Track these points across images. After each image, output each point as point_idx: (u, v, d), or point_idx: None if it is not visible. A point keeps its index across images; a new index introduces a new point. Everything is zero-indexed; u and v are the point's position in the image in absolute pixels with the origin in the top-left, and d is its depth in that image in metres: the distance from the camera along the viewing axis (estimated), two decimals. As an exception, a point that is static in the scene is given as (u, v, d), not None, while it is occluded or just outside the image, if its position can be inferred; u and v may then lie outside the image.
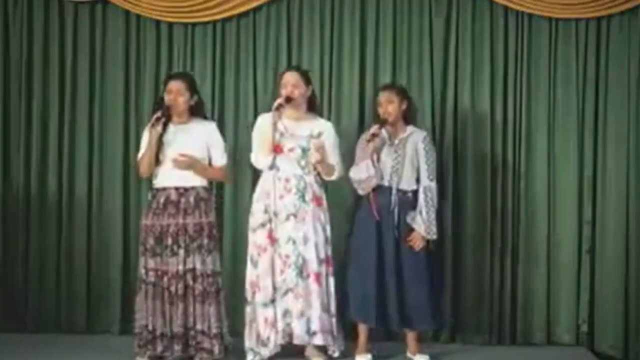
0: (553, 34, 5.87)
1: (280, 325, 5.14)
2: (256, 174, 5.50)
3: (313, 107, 5.40)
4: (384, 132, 5.28)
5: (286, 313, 5.15)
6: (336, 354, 5.29)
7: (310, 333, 5.16)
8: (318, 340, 5.17)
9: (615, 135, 5.83)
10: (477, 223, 5.87)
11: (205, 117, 5.38)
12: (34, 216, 6.03)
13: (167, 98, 5.20)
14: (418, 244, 5.26)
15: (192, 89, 5.29)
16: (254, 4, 5.95)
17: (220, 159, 5.30)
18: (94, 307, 6.01)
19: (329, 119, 5.89)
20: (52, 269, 6.02)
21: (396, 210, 5.27)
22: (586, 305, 5.84)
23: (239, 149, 5.84)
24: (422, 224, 5.24)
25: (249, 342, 5.25)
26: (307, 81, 5.34)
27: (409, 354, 5.38)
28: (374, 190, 5.27)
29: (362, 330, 5.36)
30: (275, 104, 5.19)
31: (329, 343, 5.24)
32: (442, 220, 5.84)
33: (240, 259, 5.64)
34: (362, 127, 5.89)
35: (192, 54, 6.03)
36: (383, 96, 5.36)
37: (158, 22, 6.04)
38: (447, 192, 5.86)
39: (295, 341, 5.16)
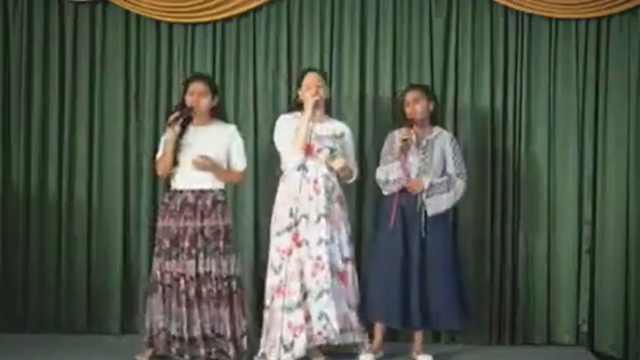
0: (553, 34, 5.87)
1: (316, 328, 5.10)
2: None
3: (329, 109, 5.46)
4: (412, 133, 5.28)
5: (322, 315, 5.11)
6: (363, 352, 5.27)
7: (342, 331, 5.16)
8: (350, 338, 5.19)
9: (615, 135, 5.84)
10: (477, 223, 5.88)
11: (225, 119, 5.39)
12: (34, 216, 6.02)
13: (190, 99, 5.20)
14: (415, 187, 5.22)
15: (214, 90, 5.31)
16: (254, 4, 5.95)
17: (240, 163, 5.32)
18: (94, 307, 6.01)
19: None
20: (52, 269, 6.01)
21: (423, 210, 5.26)
22: (586, 305, 5.84)
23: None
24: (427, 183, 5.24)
25: (263, 347, 5.22)
26: (326, 82, 5.40)
27: (414, 354, 5.38)
28: (399, 193, 5.26)
29: (379, 329, 5.36)
30: (312, 100, 5.17)
31: (354, 341, 5.25)
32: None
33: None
34: (362, 127, 5.91)
35: (192, 54, 6.03)
36: (410, 95, 5.37)
37: (158, 22, 6.03)
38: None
39: (335, 342, 5.15)
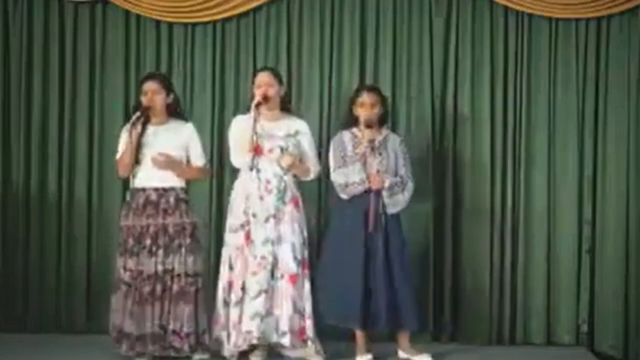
0: (553, 34, 5.87)
1: (247, 326, 5.10)
2: (234, 175, 5.49)
3: (286, 106, 5.42)
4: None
5: (255, 315, 5.10)
6: (306, 355, 5.26)
7: (280, 333, 5.15)
8: (286, 340, 5.14)
9: (615, 135, 5.84)
10: (476, 223, 5.87)
11: (182, 117, 5.42)
12: (33, 216, 6.03)
13: (145, 99, 5.25)
14: (377, 182, 5.18)
15: (168, 87, 5.35)
16: (254, 4, 5.95)
17: (199, 159, 5.35)
18: (94, 307, 6.00)
19: (328, 118, 5.92)
20: (52, 269, 6.02)
21: (384, 210, 5.24)
22: (586, 305, 5.84)
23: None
24: (389, 182, 5.21)
25: (212, 343, 5.25)
26: (280, 81, 5.37)
27: (402, 354, 5.33)
28: (357, 196, 5.22)
29: (359, 333, 5.32)
30: (255, 102, 5.19)
31: (297, 345, 5.21)
32: (442, 219, 5.87)
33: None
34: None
35: (192, 54, 6.03)
36: (369, 98, 5.32)
37: (158, 22, 6.04)
38: (446, 192, 5.87)
39: (261, 341, 5.13)
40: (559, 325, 5.88)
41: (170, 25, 6.05)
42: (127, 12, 6.03)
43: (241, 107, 5.99)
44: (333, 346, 5.35)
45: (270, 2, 5.98)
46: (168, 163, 5.20)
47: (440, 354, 5.50)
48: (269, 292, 5.14)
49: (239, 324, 5.13)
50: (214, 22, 6.01)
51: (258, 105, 5.19)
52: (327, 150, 5.45)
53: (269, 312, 5.14)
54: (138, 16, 6.03)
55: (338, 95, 5.95)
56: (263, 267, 5.15)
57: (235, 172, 5.80)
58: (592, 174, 5.87)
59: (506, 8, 5.88)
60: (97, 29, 6.06)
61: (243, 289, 5.16)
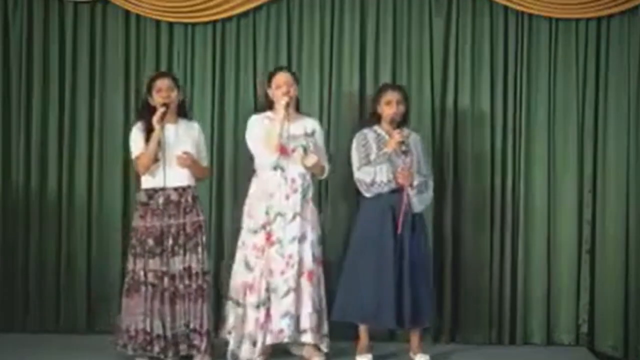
0: (553, 34, 5.87)
1: (278, 325, 5.12)
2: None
3: (299, 106, 5.46)
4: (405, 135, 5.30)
5: (285, 314, 5.13)
6: (317, 357, 5.29)
7: (300, 331, 5.17)
8: (308, 338, 5.17)
9: (615, 135, 5.84)
10: (476, 223, 5.88)
11: (188, 116, 5.45)
12: (33, 216, 6.02)
13: (160, 96, 5.23)
14: (405, 177, 5.20)
15: (178, 86, 5.37)
16: (254, 4, 5.95)
17: (205, 159, 5.41)
18: (94, 307, 6.01)
19: (328, 118, 5.92)
20: (52, 269, 6.01)
21: (411, 209, 5.25)
22: (586, 305, 5.85)
23: (239, 149, 5.84)
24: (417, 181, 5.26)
25: (233, 344, 5.24)
26: (297, 81, 5.42)
27: (411, 354, 5.37)
28: (384, 195, 5.25)
29: (363, 330, 5.35)
30: (284, 102, 5.21)
31: (319, 342, 5.25)
32: (442, 219, 5.87)
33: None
34: (361, 127, 5.89)
35: (192, 54, 6.03)
36: (394, 96, 5.36)
37: (158, 22, 6.03)
38: (446, 192, 5.87)
39: (291, 340, 5.17)
40: (559, 325, 5.89)
41: (170, 25, 6.04)
42: (127, 12, 6.02)
43: (241, 107, 6.00)
44: (333, 345, 5.36)
45: (270, 2, 5.98)
46: (190, 162, 5.21)
47: (440, 354, 5.51)
48: (297, 290, 5.15)
49: (267, 323, 5.12)
50: (214, 22, 6.01)
51: (287, 105, 5.21)
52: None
53: (298, 311, 5.16)
54: (138, 16, 6.03)
55: (338, 95, 5.95)
56: (290, 266, 5.17)
57: (236, 173, 5.82)
58: (592, 174, 5.87)
59: (506, 8, 5.88)
60: (97, 29, 6.05)
61: (268, 289, 5.15)
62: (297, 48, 6.00)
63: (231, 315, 5.29)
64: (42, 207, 6.03)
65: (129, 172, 5.99)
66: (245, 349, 5.19)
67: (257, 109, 5.56)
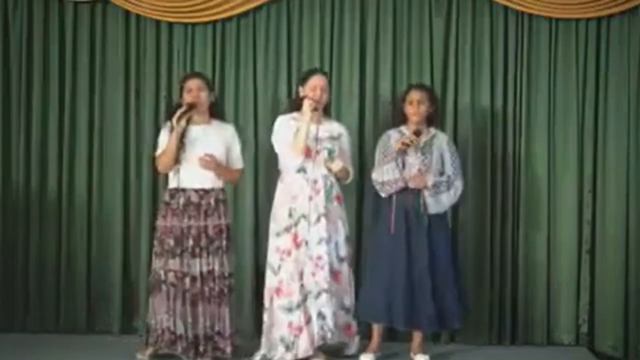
0: (553, 34, 5.87)
1: (315, 327, 5.11)
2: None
3: (328, 110, 5.47)
4: (410, 134, 5.28)
5: (320, 315, 5.12)
6: (352, 351, 5.32)
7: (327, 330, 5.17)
8: (334, 337, 5.18)
9: (615, 135, 5.84)
10: (477, 222, 5.88)
11: (223, 118, 5.44)
12: (33, 216, 6.02)
13: (190, 96, 5.22)
14: (418, 181, 5.22)
15: (210, 86, 5.37)
16: (254, 4, 5.95)
17: (238, 162, 5.37)
18: (94, 307, 6.01)
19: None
20: (52, 269, 6.01)
21: (427, 210, 5.25)
22: (586, 305, 5.84)
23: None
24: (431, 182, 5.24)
25: (263, 348, 5.24)
26: (329, 85, 5.42)
27: (411, 354, 5.37)
28: (398, 195, 5.25)
29: (377, 330, 5.35)
30: (311, 106, 5.18)
31: (344, 340, 5.28)
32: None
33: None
34: (361, 127, 5.91)
35: (192, 54, 6.03)
36: (415, 95, 5.36)
37: (158, 22, 6.03)
38: (447, 192, 5.87)
39: (331, 341, 5.16)
40: (559, 325, 5.88)
41: (170, 25, 6.04)
42: (127, 12, 6.02)
43: (241, 107, 6.00)
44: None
45: (270, 2, 5.98)
46: (214, 164, 5.19)
47: (440, 354, 5.51)
48: (328, 291, 5.15)
49: (306, 325, 5.10)
50: (214, 22, 6.01)
51: (315, 109, 5.20)
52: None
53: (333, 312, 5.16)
54: (138, 16, 6.03)
55: (338, 95, 5.95)
56: (321, 268, 5.16)
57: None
58: (592, 174, 5.87)
59: (506, 8, 5.88)
60: (97, 29, 6.06)
61: (301, 292, 5.13)
62: (297, 48, 6.00)
63: (264, 320, 5.27)
64: (42, 207, 6.03)
65: (129, 172, 6.01)
66: (276, 353, 5.16)
67: (285, 110, 5.52)
